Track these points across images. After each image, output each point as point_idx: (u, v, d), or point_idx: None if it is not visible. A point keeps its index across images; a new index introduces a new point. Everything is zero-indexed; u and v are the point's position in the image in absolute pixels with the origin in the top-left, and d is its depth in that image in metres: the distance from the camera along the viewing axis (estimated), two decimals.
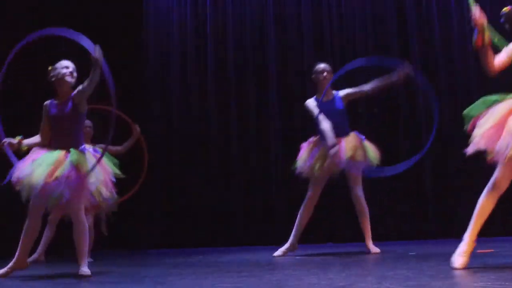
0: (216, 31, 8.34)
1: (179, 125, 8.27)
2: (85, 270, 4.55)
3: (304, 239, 6.03)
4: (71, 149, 4.60)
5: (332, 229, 7.63)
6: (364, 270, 4.27)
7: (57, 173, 4.43)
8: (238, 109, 8.18)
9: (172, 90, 8.35)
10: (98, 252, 6.82)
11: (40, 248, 6.52)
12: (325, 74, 5.73)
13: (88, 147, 4.95)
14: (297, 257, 5.57)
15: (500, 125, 3.64)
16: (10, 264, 4.67)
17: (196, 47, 8.37)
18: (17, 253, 4.67)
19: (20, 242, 4.64)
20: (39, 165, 4.47)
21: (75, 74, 4.81)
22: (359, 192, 5.73)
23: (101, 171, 4.70)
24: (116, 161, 5.04)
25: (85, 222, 4.65)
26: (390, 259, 5.00)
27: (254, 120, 8.13)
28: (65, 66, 4.79)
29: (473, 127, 3.77)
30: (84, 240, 4.64)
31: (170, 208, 8.02)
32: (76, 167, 4.50)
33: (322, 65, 5.81)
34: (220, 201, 7.94)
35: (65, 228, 4.86)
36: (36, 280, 4.56)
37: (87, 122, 6.75)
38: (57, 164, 4.49)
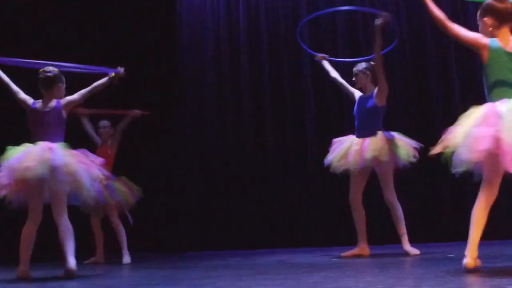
0: (249, 22, 8.37)
1: (214, 122, 8.27)
2: (71, 266, 4.68)
3: (339, 241, 6.02)
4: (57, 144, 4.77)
5: (368, 231, 7.56)
6: (402, 272, 4.23)
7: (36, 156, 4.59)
8: (274, 103, 8.17)
9: (206, 84, 8.37)
10: (137, 254, 6.91)
11: (98, 251, 6.70)
12: (368, 72, 5.88)
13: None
14: (334, 259, 5.56)
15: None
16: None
17: (230, 41, 8.39)
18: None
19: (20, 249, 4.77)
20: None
21: None
22: (389, 196, 5.70)
23: (86, 171, 4.76)
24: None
25: (68, 225, 4.77)
26: (429, 261, 4.94)
27: (291, 113, 8.11)
28: None
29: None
30: (69, 239, 4.75)
31: (208, 210, 8.06)
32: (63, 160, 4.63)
33: (364, 65, 5.95)
34: (259, 203, 7.95)
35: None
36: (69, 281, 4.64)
37: (105, 123, 6.90)
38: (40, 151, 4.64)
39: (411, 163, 5.63)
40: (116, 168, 6.88)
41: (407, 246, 5.66)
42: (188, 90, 8.41)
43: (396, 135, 5.75)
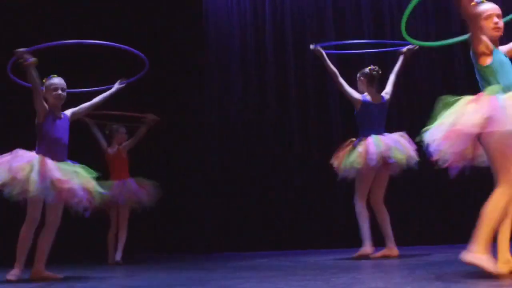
0: (274, 21, 8.35)
1: (238, 122, 8.27)
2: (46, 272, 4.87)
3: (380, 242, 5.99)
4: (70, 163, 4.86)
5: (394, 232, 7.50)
6: (430, 273, 4.16)
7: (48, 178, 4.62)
8: (298, 104, 8.15)
9: (232, 82, 8.37)
10: (163, 255, 6.94)
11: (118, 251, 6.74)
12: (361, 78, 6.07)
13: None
14: (362, 260, 5.51)
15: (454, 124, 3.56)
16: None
17: (256, 40, 8.39)
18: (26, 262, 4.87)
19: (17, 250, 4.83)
20: (30, 171, 4.61)
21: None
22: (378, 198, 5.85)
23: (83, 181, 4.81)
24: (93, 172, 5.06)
25: (56, 227, 4.88)
26: (457, 262, 4.86)
27: (315, 113, 8.08)
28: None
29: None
30: (50, 242, 4.89)
31: (233, 211, 8.05)
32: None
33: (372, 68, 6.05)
34: (284, 203, 7.93)
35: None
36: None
37: (122, 130, 6.95)
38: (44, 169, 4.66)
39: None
40: (139, 168, 6.94)
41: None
42: (213, 91, 8.41)
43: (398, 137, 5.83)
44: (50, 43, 5.19)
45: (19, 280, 4.75)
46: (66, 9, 8.02)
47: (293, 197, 7.94)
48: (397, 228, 6.11)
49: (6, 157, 4.71)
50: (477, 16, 3.75)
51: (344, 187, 7.52)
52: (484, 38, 3.74)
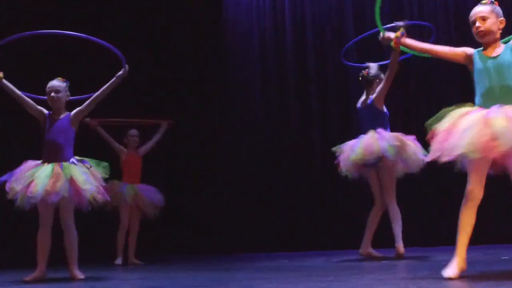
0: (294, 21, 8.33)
1: (259, 123, 8.26)
2: (78, 273, 4.88)
3: (387, 243, 5.92)
4: (63, 163, 4.85)
5: (415, 232, 7.44)
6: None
7: (56, 185, 4.69)
8: (318, 104, 8.12)
9: (252, 80, 8.38)
10: (182, 256, 6.93)
11: (129, 253, 6.78)
12: (377, 80, 5.97)
13: (74, 159, 5.01)
14: (383, 261, 5.46)
15: (451, 129, 3.59)
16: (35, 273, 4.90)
17: (276, 41, 8.37)
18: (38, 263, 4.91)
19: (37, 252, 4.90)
20: (37, 177, 4.72)
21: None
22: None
23: (92, 178, 4.86)
24: (105, 163, 5.08)
25: (74, 230, 4.91)
26: (482, 263, 4.81)
27: (337, 114, 8.05)
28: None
29: (432, 136, 3.71)
30: (74, 245, 4.93)
31: (254, 212, 8.04)
32: (70, 179, 4.74)
33: (374, 71, 6.05)
34: (305, 204, 7.89)
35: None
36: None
37: (134, 132, 6.96)
38: (55, 176, 4.73)
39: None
40: (155, 169, 6.97)
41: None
42: (234, 91, 8.41)
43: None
44: (19, 34, 5.07)
45: (36, 281, 4.79)
46: (73, 9, 8.01)
47: (314, 198, 7.91)
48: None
49: (18, 170, 4.84)
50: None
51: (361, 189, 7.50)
52: (463, 49, 3.86)
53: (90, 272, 5.29)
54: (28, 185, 4.70)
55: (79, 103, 5.19)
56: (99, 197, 4.85)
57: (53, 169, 4.77)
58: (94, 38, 5.19)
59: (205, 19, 8.64)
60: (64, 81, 5.09)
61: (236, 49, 8.52)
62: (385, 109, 5.95)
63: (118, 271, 5.76)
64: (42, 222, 4.89)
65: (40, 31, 5.34)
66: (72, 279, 4.83)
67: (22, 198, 4.71)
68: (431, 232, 7.31)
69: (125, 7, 8.26)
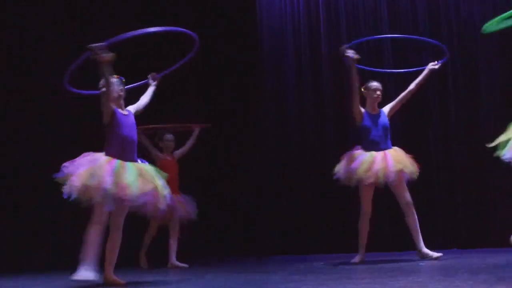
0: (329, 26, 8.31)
1: (295, 128, 8.25)
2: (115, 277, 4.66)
3: (429, 244, 5.89)
4: (143, 164, 4.70)
5: (454, 234, 7.36)
6: (493, 276, 4.07)
7: (145, 188, 4.49)
8: None
9: (287, 86, 8.36)
10: (220, 258, 6.96)
11: (170, 256, 6.77)
12: (378, 93, 6.01)
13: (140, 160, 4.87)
14: (421, 264, 5.43)
15: None
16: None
17: (311, 47, 8.35)
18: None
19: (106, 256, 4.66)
20: (126, 178, 4.45)
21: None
22: (408, 196, 5.87)
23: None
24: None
25: (121, 231, 4.67)
26: None
27: None
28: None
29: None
30: (116, 247, 4.66)
31: (291, 214, 8.03)
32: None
33: (375, 84, 6.04)
34: (341, 206, 7.86)
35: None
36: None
37: (170, 137, 7.00)
38: (142, 178, 4.53)
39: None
40: (193, 172, 7.00)
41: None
42: (269, 97, 8.42)
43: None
44: (123, 35, 4.73)
45: (80, 281, 4.63)
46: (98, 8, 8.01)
47: (349, 200, 7.86)
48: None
49: (76, 162, 4.54)
50: None
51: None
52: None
53: (131, 275, 5.34)
54: (116, 185, 4.40)
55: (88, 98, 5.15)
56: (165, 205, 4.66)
57: (138, 170, 4.57)
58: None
59: (238, 23, 8.67)
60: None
61: (271, 51, 8.53)
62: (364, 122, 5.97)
63: (155, 274, 5.81)
64: (99, 220, 4.58)
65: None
66: (111, 283, 4.62)
67: (90, 193, 4.41)
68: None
69: (156, 9, 8.33)
